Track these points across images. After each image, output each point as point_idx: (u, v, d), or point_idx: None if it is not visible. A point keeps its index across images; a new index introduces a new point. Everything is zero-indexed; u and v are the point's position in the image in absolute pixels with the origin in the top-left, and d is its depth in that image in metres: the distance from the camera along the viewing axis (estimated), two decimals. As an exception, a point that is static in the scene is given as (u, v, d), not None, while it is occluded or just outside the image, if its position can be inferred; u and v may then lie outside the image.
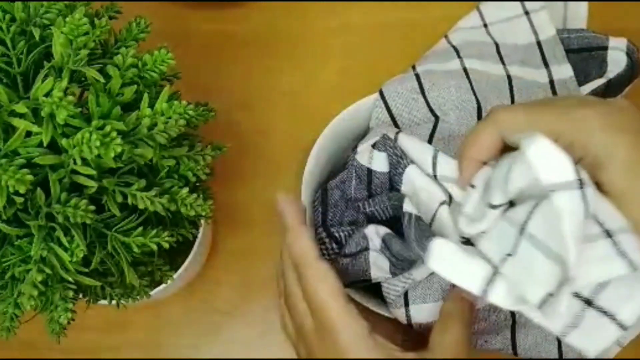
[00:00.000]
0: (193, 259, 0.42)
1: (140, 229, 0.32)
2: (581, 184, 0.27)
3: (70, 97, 0.27)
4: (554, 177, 0.27)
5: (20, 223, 0.29)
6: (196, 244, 0.42)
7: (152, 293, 0.38)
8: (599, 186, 0.29)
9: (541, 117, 0.30)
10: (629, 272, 0.27)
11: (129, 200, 0.31)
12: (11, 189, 0.26)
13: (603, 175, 0.28)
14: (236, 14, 0.56)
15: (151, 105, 0.30)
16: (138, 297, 0.37)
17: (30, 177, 0.26)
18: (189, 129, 0.36)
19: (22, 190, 0.26)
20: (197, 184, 0.37)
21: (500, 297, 0.29)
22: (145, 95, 0.30)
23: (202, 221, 0.42)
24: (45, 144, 0.28)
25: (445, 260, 0.31)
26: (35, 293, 0.29)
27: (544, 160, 0.27)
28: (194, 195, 0.33)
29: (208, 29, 0.56)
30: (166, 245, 0.32)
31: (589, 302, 0.29)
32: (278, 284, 0.38)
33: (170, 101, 0.30)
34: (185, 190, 0.33)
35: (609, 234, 0.28)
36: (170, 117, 0.30)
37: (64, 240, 0.29)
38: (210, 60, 0.55)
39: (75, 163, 0.28)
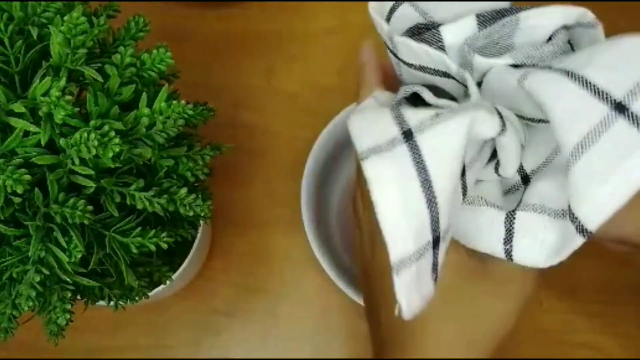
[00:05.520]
0: (192, 260, 0.42)
1: (138, 229, 0.32)
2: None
3: (68, 97, 0.27)
4: None
5: (18, 223, 0.29)
6: (195, 244, 0.42)
7: (150, 294, 0.38)
8: None
9: None
10: None
11: (128, 201, 0.31)
12: (9, 189, 0.26)
13: None
14: (236, 14, 0.56)
15: (150, 105, 0.30)
16: (137, 297, 0.36)
17: (28, 177, 0.26)
18: (188, 129, 0.36)
19: (20, 191, 0.26)
20: (196, 184, 0.37)
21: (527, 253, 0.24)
22: (144, 95, 0.30)
23: (201, 221, 0.41)
24: (43, 144, 0.27)
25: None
26: (33, 294, 0.29)
27: None
28: (193, 196, 0.33)
29: (207, 28, 0.56)
30: (165, 246, 0.32)
31: None
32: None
33: (169, 100, 0.30)
34: (184, 190, 0.33)
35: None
36: (169, 117, 0.30)
37: (62, 240, 0.29)
38: (210, 59, 0.55)
39: (73, 163, 0.28)
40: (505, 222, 0.25)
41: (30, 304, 0.29)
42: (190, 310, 0.50)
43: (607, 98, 0.21)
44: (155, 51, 0.31)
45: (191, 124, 0.34)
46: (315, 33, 0.56)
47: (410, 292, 0.23)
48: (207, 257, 0.51)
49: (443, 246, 0.24)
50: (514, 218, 0.24)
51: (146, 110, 0.30)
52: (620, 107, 0.20)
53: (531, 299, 0.28)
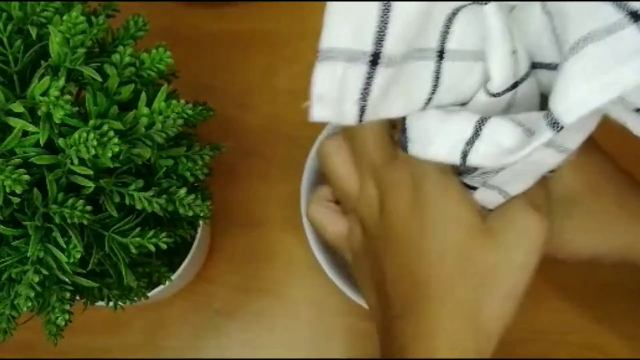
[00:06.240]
0: (191, 260, 0.42)
1: (138, 229, 0.32)
2: None
3: (67, 96, 0.26)
4: None
5: (17, 223, 0.29)
6: (194, 244, 0.42)
7: (150, 294, 0.38)
8: None
9: None
10: None
11: (127, 201, 0.31)
12: (8, 189, 0.26)
13: None
14: (235, 13, 0.56)
15: (149, 105, 0.30)
16: (136, 298, 0.36)
17: (27, 177, 0.26)
18: (187, 129, 0.36)
19: (18, 191, 0.26)
20: (196, 184, 0.37)
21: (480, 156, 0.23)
22: (143, 94, 0.30)
23: (201, 222, 0.41)
24: (42, 144, 0.27)
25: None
26: (32, 294, 0.28)
27: None
28: (192, 196, 0.33)
29: (207, 27, 0.56)
30: (164, 246, 0.32)
31: None
32: None
33: (168, 100, 0.30)
34: (183, 190, 0.33)
35: None
36: (168, 117, 0.30)
37: (60, 241, 0.29)
38: (209, 59, 0.55)
39: (72, 163, 0.28)
40: (475, 124, 0.23)
41: (29, 304, 0.29)
42: (189, 311, 0.50)
43: (625, 7, 0.20)
44: (154, 51, 0.31)
45: (190, 124, 0.34)
46: (315, 32, 0.56)
47: (326, 93, 0.23)
48: (207, 258, 0.51)
49: (380, 75, 0.22)
50: (486, 121, 0.23)
51: (145, 110, 0.29)
52: (635, 15, 0.19)
53: (543, 253, 0.27)
